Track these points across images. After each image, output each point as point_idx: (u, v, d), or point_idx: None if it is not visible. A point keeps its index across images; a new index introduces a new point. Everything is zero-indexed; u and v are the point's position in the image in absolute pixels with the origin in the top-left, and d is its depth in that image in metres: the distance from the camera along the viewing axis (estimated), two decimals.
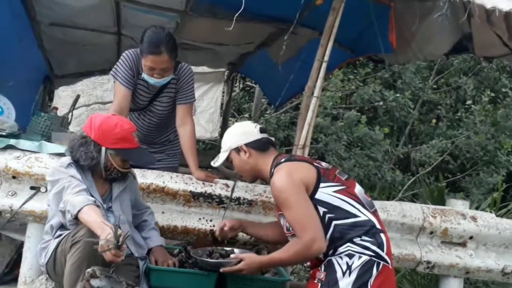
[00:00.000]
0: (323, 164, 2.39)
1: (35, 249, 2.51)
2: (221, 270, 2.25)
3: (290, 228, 2.28)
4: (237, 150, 2.42)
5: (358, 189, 2.35)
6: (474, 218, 3.14)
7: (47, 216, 2.42)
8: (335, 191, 2.26)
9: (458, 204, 3.30)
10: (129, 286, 2.00)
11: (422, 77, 6.99)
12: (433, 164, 6.50)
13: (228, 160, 2.46)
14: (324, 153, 6.15)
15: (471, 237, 3.10)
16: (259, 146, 2.42)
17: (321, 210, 2.22)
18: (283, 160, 2.35)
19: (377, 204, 3.05)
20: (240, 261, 2.24)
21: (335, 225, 2.22)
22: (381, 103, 6.31)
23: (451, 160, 6.79)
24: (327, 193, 2.24)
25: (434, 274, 3.11)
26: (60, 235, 2.27)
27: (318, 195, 2.23)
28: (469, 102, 6.99)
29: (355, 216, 2.24)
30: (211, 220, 2.79)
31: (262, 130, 2.47)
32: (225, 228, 2.54)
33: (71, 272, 2.07)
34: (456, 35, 3.68)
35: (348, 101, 6.89)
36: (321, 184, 2.25)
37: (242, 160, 2.42)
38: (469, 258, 3.07)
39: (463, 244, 3.12)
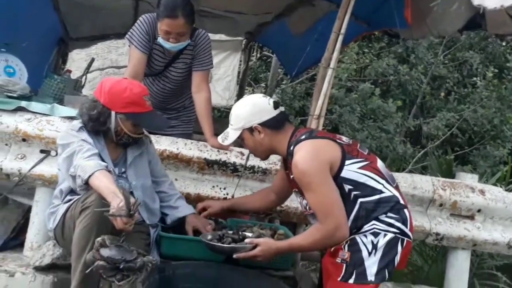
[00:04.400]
0: (344, 139, 2.18)
1: (43, 214, 2.38)
2: (234, 256, 2.04)
3: (308, 207, 2.12)
4: (251, 130, 2.15)
5: (380, 163, 2.17)
6: (482, 192, 3.00)
7: (57, 180, 2.28)
8: (359, 167, 2.06)
9: (467, 178, 3.17)
10: (139, 254, 1.85)
11: (434, 53, 6.72)
12: (442, 138, 6.30)
13: (239, 138, 2.19)
14: (338, 124, 5.98)
15: (479, 210, 2.98)
16: (274, 124, 2.15)
17: (347, 187, 2.03)
18: (303, 137, 2.10)
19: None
20: (256, 246, 2.03)
21: (361, 202, 2.04)
22: (394, 77, 6.07)
23: (459, 134, 6.58)
24: (352, 170, 2.04)
25: (442, 246, 2.99)
26: (70, 200, 2.13)
27: (343, 173, 2.03)
28: (475, 78, 6.74)
29: (381, 192, 2.06)
30: (224, 188, 2.65)
31: (276, 105, 2.17)
32: (212, 211, 2.38)
33: (79, 239, 1.94)
34: (471, 10, 3.46)
35: (362, 74, 6.65)
36: (346, 162, 2.04)
37: (256, 140, 2.16)
38: (477, 231, 2.96)
39: (471, 217, 2.99)
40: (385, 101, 5.93)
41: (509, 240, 2.95)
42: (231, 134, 2.18)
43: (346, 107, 5.97)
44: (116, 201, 1.80)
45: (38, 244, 2.46)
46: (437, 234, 2.91)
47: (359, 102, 6.00)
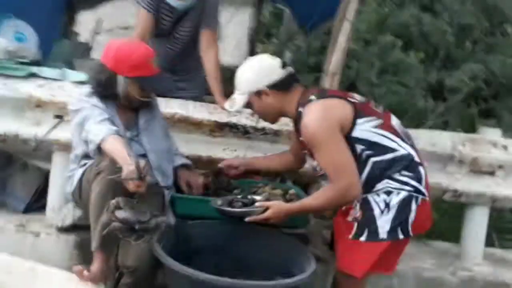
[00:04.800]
0: (357, 97, 2.10)
1: (61, 177, 2.43)
2: (246, 219, 2.01)
3: (318, 168, 2.07)
4: (258, 93, 2.05)
5: (395, 121, 2.09)
6: (505, 147, 2.90)
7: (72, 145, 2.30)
8: (372, 126, 1.99)
9: (489, 132, 3.06)
10: (153, 215, 1.89)
11: (461, 0, 6.36)
12: (466, 91, 6.06)
13: (247, 103, 2.11)
14: (356, 80, 5.81)
15: (500, 166, 2.88)
16: (283, 85, 2.05)
17: (359, 148, 1.97)
18: (313, 97, 2.03)
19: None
20: (267, 209, 2.00)
21: (374, 162, 1.98)
22: (416, 27, 5.77)
23: (484, 87, 6.31)
24: (364, 129, 1.98)
25: (461, 202, 2.93)
26: (85, 164, 2.16)
27: (355, 133, 1.97)
28: (505, 25, 6.40)
29: (394, 150, 1.99)
30: (235, 150, 2.62)
31: (283, 65, 2.08)
32: (232, 168, 2.35)
33: (96, 202, 1.98)
34: None
35: (383, 26, 6.36)
36: (358, 121, 1.97)
37: (264, 104, 2.07)
38: (497, 187, 2.87)
39: (492, 173, 2.90)
40: (406, 54, 5.68)
41: None
42: (237, 99, 2.10)
43: (364, 62, 5.77)
44: (127, 165, 1.83)
45: (59, 206, 2.52)
46: (455, 190, 2.84)
47: (379, 56, 5.78)
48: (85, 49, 3.11)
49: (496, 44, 6.39)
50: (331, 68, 2.80)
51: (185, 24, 2.84)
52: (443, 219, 3.41)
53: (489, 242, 3.15)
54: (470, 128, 5.63)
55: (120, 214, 1.84)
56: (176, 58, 2.96)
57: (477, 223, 2.92)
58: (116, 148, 1.94)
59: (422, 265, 2.88)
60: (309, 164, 2.24)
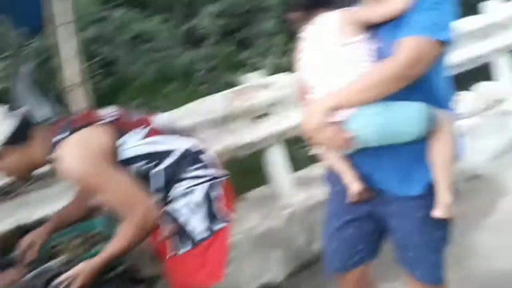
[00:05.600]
0: (111, 112, 1.84)
1: None
2: None
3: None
4: None
5: (159, 120, 1.91)
6: (266, 86, 3.00)
7: None
8: (140, 138, 1.78)
9: (253, 77, 3.15)
10: None
11: None
12: (218, 30, 6.17)
13: None
14: (110, 65, 5.42)
15: (272, 104, 2.99)
16: (18, 137, 1.72)
17: (136, 166, 1.76)
18: (59, 136, 1.72)
19: (182, 111, 2.76)
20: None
21: (158, 172, 1.80)
22: None
23: (230, 21, 6.50)
24: (132, 146, 1.76)
25: (256, 151, 3.00)
26: None
27: (125, 154, 1.75)
28: None
29: (171, 152, 1.82)
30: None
31: (11, 108, 1.73)
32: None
33: None
34: None
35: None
36: (122, 140, 1.75)
37: (6, 164, 1.75)
38: (279, 123, 2.99)
39: (269, 113, 3.01)
40: (149, 20, 5.45)
41: None
42: None
43: (110, 43, 5.39)
44: None
45: None
46: (247, 144, 2.89)
47: (120, 31, 5.44)
48: None
49: None
50: (75, 80, 2.46)
51: None
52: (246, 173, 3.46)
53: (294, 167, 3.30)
54: (236, 63, 5.85)
55: None
56: None
57: (277, 161, 3.04)
58: None
59: (249, 224, 2.89)
60: None
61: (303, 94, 1.66)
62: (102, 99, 4.08)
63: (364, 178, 1.65)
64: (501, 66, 4.01)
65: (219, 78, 5.59)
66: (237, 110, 2.86)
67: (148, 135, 1.81)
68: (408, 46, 1.43)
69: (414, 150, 1.56)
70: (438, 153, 1.55)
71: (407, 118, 1.49)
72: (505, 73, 4.02)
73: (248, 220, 2.93)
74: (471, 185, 3.42)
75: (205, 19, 5.95)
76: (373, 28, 1.55)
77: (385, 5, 1.51)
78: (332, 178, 1.78)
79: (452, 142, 1.57)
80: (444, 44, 1.47)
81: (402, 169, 1.59)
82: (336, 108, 1.47)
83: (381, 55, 1.51)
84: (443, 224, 1.63)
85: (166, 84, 5.24)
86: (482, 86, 4.04)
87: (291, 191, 3.08)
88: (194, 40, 6.33)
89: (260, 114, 2.97)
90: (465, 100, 3.97)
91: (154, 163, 1.79)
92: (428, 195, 1.57)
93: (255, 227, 2.87)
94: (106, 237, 2.07)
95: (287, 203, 3.03)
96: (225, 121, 2.85)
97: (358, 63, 1.50)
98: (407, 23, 1.46)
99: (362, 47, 1.51)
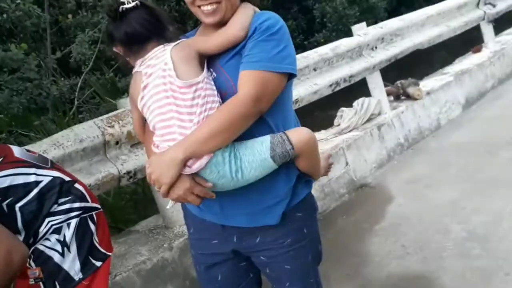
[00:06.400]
0: None
1: None
2: None
3: None
4: None
5: (17, 151, 1.66)
6: None
7: None
8: None
9: (127, 103, 2.89)
10: None
11: None
12: (92, 58, 5.81)
13: None
14: None
15: None
16: None
17: None
18: None
19: (47, 142, 2.45)
20: None
21: (20, 208, 1.55)
22: (4, 16, 5.00)
23: (106, 48, 6.20)
24: None
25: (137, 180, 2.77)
26: None
27: None
28: None
29: (36, 183, 1.59)
30: None
31: None
32: None
33: None
34: None
35: None
36: None
37: None
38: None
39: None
40: (8, 48, 4.92)
41: None
42: None
43: None
44: None
45: None
46: (129, 172, 2.65)
47: None
48: None
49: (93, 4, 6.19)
50: None
51: None
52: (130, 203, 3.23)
53: None
54: (115, 90, 5.53)
55: None
56: None
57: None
58: None
59: (140, 259, 2.64)
60: None
61: (147, 134, 1.52)
62: None
63: (220, 214, 1.53)
64: (374, 82, 4.30)
65: (99, 106, 5.25)
66: (113, 137, 2.60)
67: (2, 167, 1.55)
68: (251, 81, 1.36)
69: (265, 181, 1.46)
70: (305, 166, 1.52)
71: (261, 161, 1.40)
72: (379, 88, 4.32)
73: (138, 254, 2.68)
74: (359, 194, 3.57)
75: (77, 47, 5.57)
76: (212, 58, 1.46)
77: (221, 34, 1.44)
78: (189, 221, 1.68)
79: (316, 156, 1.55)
80: (287, 75, 1.44)
81: (257, 200, 1.49)
82: (187, 159, 1.35)
83: (222, 87, 1.43)
84: (313, 245, 1.59)
85: (39, 115, 4.78)
86: (360, 102, 4.23)
87: (182, 219, 2.86)
88: (68, 69, 5.92)
89: (139, 141, 2.73)
90: (346, 116, 4.14)
91: (15, 196, 1.55)
92: (288, 222, 1.52)
93: (145, 261, 2.62)
94: None
95: (179, 232, 2.83)
96: (99, 149, 2.57)
97: (203, 105, 1.37)
98: (246, 55, 1.40)
99: (205, 86, 1.39)
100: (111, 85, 5.89)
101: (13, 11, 4.77)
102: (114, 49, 1.48)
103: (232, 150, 1.39)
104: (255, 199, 1.49)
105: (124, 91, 5.61)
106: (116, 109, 2.81)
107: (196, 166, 1.36)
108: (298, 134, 1.46)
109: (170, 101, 1.38)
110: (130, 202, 3.48)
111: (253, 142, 1.42)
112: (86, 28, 5.88)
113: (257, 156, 1.40)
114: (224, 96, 1.42)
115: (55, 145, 2.41)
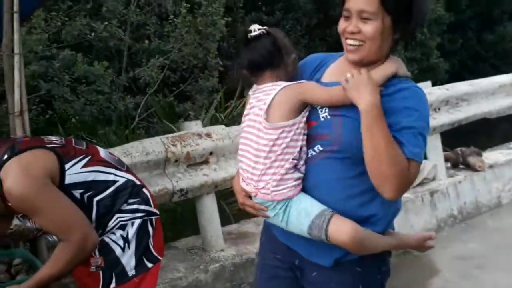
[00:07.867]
0: (55, 139, 1.84)
1: None
2: None
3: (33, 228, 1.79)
4: None
5: (103, 152, 1.93)
6: (208, 135, 3.09)
7: None
8: (83, 166, 1.78)
9: (192, 125, 3.23)
10: None
11: (126, 2, 6.47)
12: (157, 82, 6.31)
13: None
14: (51, 100, 5.35)
15: (211, 153, 3.08)
16: None
17: (77, 193, 1.75)
18: (5, 156, 1.69)
19: (119, 150, 2.76)
20: None
21: (98, 201, 1.80)
22: (92, 36, 5.62)
23: (171, 75, 6.70)
24: (75, 172, 1.76)
25: (189, 198, 3.04)
26: None
27: (67, 180, 1.74)
28: (171, 16, 6.86)
29: (113, 182, 1.84)
30: None
31: None
32: None
33: None
34: None
35: (59, 39, 5.96)
36: (66, 167, 1.74)
37: None
38: (214, 173, 3.07)
39: (206, 162, 3.08)
40: (91, 64, 5.49)
41: None
42: None
43: (53, 80, 5.35)
44: None
45: None
46: (181, 190, 2.92)
47: (65, 71, 5.44)
48: None
49: (168, 35, 6.75)
50: (16, 108, 2.45)
51: None
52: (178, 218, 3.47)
53: (225, 221, 3.33)
54: (171, 114, 5.94)
55: None
56: None
57: (208, 211, 3.08)
58: None
59: (176, 275, 2.85)
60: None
61: None
62: (37, 133, 4.01)
63: (284, 232, 1.59)
64: (433, 145, 3.99)
65: (156, 125, 5.65)
66: (173, 155, 2.91)
67: (90, 164, 1.82)
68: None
69: None
70: None
71: (300, 229, 1.49)
72: (437, 152, 4.06)
73: (175, 270, 2.89)
74: (402, 260, 3.25)
75: (147, 70, 6.08)
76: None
77: (331, 92, 1.48)
78: (264, 228, 1.75)
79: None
80: None
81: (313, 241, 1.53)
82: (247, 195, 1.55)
83: (317, 134, 1.50)
84: None
85: (103, 126, 5.23)
86: None
87: (221, 245, 3.09)
88: (135, 88, 6.41)
89: (196, 162, 3.03)
90: None
91: (95, 191, 1.80)
92: (345, 272, 1.54)
93: (182, 278, 2.83)
94: (28, 269, 2.02)
95: (216, 257, 3.01)
96: (160, 164, 2.88)
97: (275, 151, 1.47)
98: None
99: (287, 135, 1.47)
100: (169, 108, 6.35)
101: (101, 31, 5.33)
102: (240, 72, 1.63)
103: (287, 203, 1.49)
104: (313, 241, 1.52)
105: (180, 115, 6.05)
106: (174, 131, 3.10)
107: (259, 196, 1.52)
108: (339, 230, 1.44)
109: (253, 138, 1.53)
110: (169, 219, 3.70)
111: (305, 208, 1.48)
112: (157, 54, 6.42)
113: (299, 223, 1.48)
114: (323, 138, 1.49)
115: (125, 153, 2.73)
